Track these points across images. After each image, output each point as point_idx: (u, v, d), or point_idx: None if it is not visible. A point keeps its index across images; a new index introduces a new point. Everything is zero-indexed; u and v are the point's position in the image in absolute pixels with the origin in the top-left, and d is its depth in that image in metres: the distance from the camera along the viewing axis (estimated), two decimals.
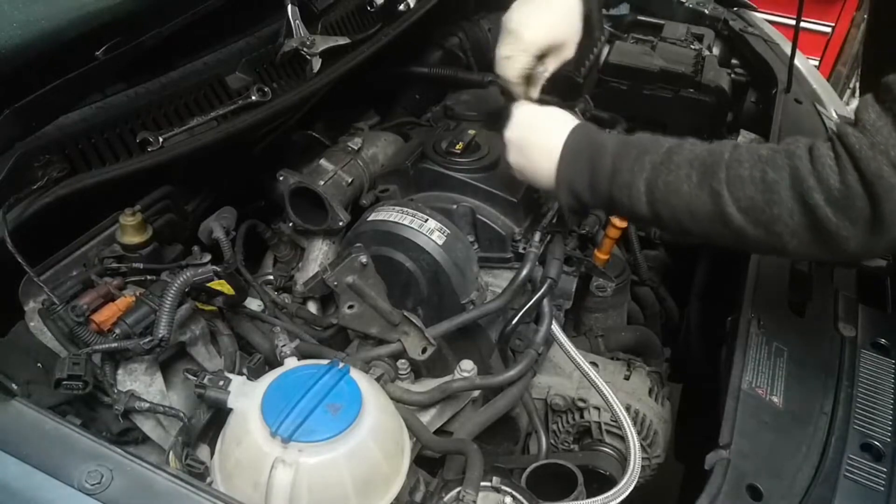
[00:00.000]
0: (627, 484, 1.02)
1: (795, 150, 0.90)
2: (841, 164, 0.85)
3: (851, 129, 0.86)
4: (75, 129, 1.01)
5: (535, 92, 1.24)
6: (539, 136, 1.12)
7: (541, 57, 1.20)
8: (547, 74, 1.23)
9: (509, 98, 1.24)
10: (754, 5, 2.19)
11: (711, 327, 1.41)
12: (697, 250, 1.74)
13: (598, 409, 1.28)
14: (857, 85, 3.33)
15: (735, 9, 2.14)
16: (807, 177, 0.87)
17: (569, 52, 1.22)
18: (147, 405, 0.96)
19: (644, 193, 0.99)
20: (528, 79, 1.22)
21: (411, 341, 1.14)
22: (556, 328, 1.22)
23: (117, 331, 0.98)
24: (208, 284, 1.05)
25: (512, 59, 1.19)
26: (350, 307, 1.18)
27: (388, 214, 1.24)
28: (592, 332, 1.48)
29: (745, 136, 1.66)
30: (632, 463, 1.05)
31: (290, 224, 1.36)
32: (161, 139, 1.08)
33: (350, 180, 1.35)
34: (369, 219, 1.26)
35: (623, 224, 1.49)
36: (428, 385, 1.13)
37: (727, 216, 0.93)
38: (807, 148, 0.89)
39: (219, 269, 1.05)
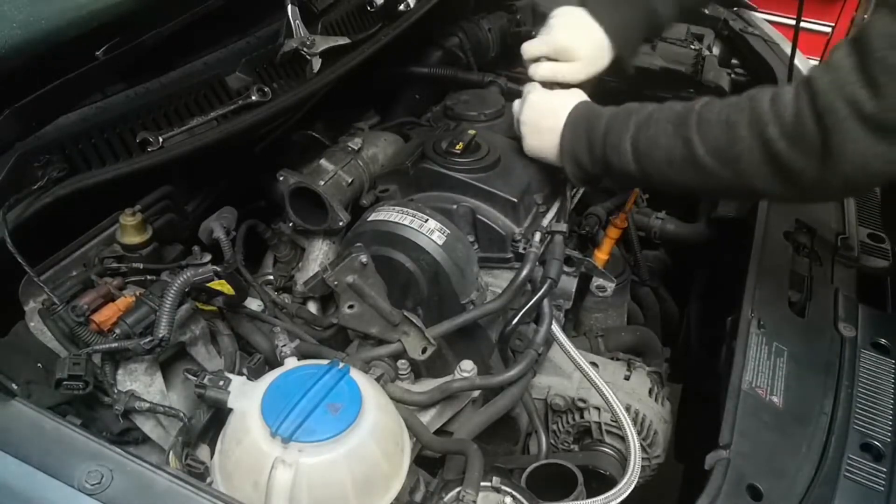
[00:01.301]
0: (627, 484, 1.02)
1: (758, 93, 0.97)
2: (798, 99, 0.91)
3: (818, 67, 0.91)
4: (75, 129, 1.01)
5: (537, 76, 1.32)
6: (548, 119, 1.23)
7: (555, 57, 1.30)
8: (548, 75, 1.30)
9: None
10: (754, 5, 2.19)
11: (711, 327, 1.41)
12: (697, 250, 1.74)
13: (598, 409, 1.28)
14: None
15: (735, 9, 2.14)
16: (764, 113, 0.94)
17: (578, 75, 1.29)
18: (147, 405, 0.96)
19: (630, 151, 1.09)
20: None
21: (411, 341, 1.14)
22: (555, 328, 1.22)
23: (117, 331, 0.98)
24: (208, 284, 1.05)
25: (535, 41, 1.32)
26: (350, 307, 1.18)
27: (388, 214, 1.24)
28: (592, 332, 1.48)
29: None
30: (632, 463, 1.05)
31: (290, 224, 1.36)
32: (161, 139, 1.08)
33: (350, 180, 1.35)
34: (369, 219, 1.26)
35: (623, 224, 1.50)
36: (428, 385, 1.13)
37: (698, 159, 1.00)
38: (771, 91, 0.96)
39: (219, 269, 1.05)
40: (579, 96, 1.25)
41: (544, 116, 1.25)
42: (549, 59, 1.30)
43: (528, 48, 1.32)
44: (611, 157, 1.12)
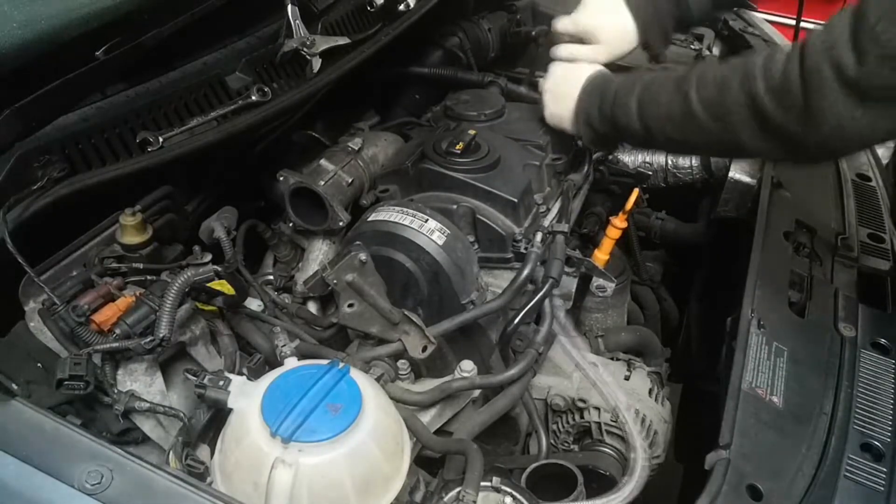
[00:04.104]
0: (629, 486, 1.01)
1: (755, 53, 1.03)
2: (790, 58, 0.95)
3: (817, 30, 0.95)
4: (75, 129, 1.01)
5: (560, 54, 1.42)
6: (567, 88, 1.32)
7: (580, 38, 1.40)
8: (575, 54, 1.40)
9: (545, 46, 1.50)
10: (754, 5, 2.18)
11: (711, 327, 1.41)
12: (697, 250, 1.74)
13: (598, 409, 1.28)
14: None
15: (735, 9, 2.14)
16: (753, 70, 1.00)
17: (597, 57, 1.38)
18: (147, 405, 0.96)
19: (635, 110, 1.16)
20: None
21: (411, 340, 1.14)
22: (558, 327, 1.22)
23: (117, 331, 0.98)
24: (208, 284, 1.05)
25: (564, 18, 1.42)
26: (350, 306, 1.18)
27: (388, 214, 1.24)
28: (592, 332, 1.48)
29: None
30: (635, 464, 1.04)
31: (290, 224, 1.36)
32: (161, 139, 1.08)
33: (350, 180, 1.35)
34: (369, 219, 1.26)
35: (623, 224, 1.49)
36: (428, 385, 1.13)
37: (693, 114, 1.08)
38: (768, 52, 1.01)
39: (219, 269, 1.05)
40: (599, 68, 1.32)
41: (564, 84, 1.33)
42: (573, 38, 1.40)
43: (557, 24, 1.43)
44: (618, 117, 1.20)
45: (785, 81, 0.95)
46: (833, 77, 0.90)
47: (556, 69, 1.38)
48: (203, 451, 0.98)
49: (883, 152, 2.15)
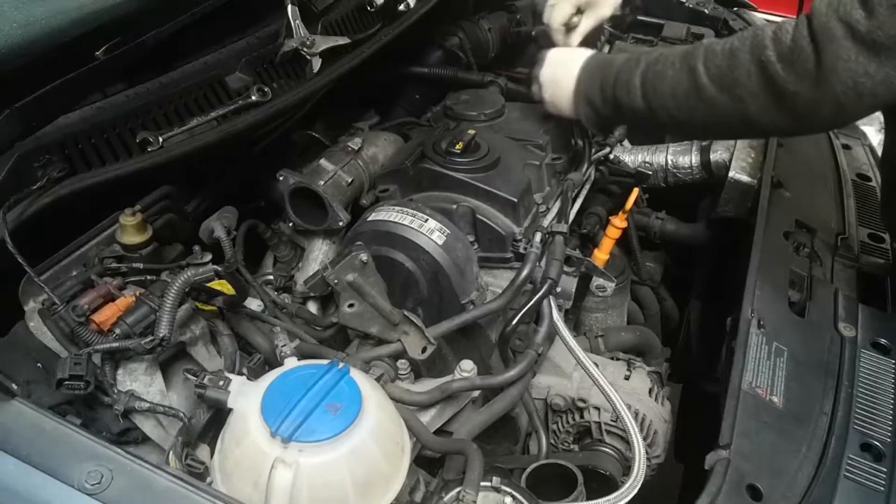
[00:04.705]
0: (631, 488, 1.01)
1: (765, 24, 1.03)
2: (798, 25, 0.96)
3: None
4: (75, 129, 1.01)
5: (574, 41, 1.44)
6: (566, 71, 1.30)
7: (580, 10, 1.43)
8: (584, 29, 1.43)
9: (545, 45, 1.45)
10: (754, 5, 2.19)
11: (711, 327, 1.41)
12: (697, 250, 1.74)
13: (598, 409, 1.28)
14: None
15: (735, 9, 2.14)
16: (763, 39, 0.99)
17: (606, 11, 1.44)
18: (147, 405, 0.96)
19: (639, 87, 1.15)
20: (567, 28, 1.44)
21: (411, 341, 1.14)
22: (561, 326, 1.21)
23: (117, 331, 0.98)
24: (208, 284, 1.05)
25: (556, 6, 1.42)
26: (350, 306, 1.18)
27: (388, 214, 1.24)
28: (592, 332, 1.48)
29: None
30: (637, 466, 1.04)
31: (290, 224, 1.36)
32: (161, 139, 1.08)
33: (350, 180, 1.35)
34: (369, 219, 1.26)
35: (623, 224, 1.50)
36: (428, 385, 1.13)
37: (700, 87, 1.06)
38: (777, 23, 1.00)
39: (219, 269, 1.05)
40: (590, 53, 1.32)
41: (562, 68, 1.31)
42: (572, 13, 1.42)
43: (553, 17, 1.42)
44: (620, 96, 1.18)
45: (795, 46, 0.95)
46: (844, 34, 0.90)
47: (550, 55, 1.36)
48: (203, 451, 0.98)
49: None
